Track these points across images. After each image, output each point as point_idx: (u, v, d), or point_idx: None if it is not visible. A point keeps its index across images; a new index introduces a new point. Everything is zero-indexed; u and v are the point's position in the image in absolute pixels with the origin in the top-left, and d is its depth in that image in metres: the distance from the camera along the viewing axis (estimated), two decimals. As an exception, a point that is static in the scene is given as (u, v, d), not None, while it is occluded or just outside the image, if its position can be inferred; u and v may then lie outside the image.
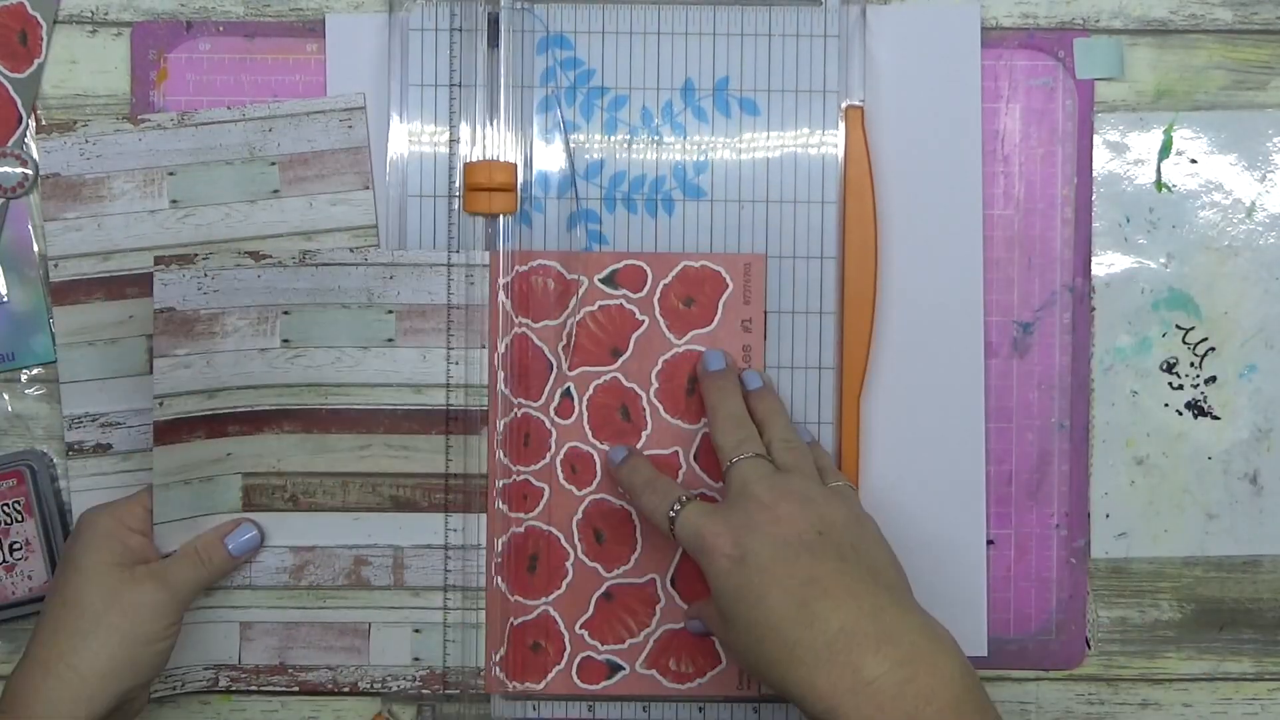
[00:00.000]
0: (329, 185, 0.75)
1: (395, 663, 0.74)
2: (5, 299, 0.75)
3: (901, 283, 0.75)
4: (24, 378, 0.76)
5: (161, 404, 0.71)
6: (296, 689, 0.75)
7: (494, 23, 0.74)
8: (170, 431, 0.71)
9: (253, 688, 0.74)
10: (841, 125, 0.74)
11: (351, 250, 0.73)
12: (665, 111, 0.74)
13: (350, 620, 0.74)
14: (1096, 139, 0.76)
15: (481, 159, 0.73)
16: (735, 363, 0.73)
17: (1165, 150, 0.76)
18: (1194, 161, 0.76)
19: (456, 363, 0.73)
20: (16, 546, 0.75)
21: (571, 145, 0.74)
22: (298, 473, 0.73)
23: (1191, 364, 0.76)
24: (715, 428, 0.70)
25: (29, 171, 0.75)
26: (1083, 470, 0.76)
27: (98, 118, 0.75)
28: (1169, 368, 0.77)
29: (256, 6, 0.76)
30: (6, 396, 0.76)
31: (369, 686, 0.74)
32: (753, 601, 0.62)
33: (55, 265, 0.74)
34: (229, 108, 0.75)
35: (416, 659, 0.74)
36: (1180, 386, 0.77)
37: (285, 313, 0.73)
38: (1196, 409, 0.77)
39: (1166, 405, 0.77)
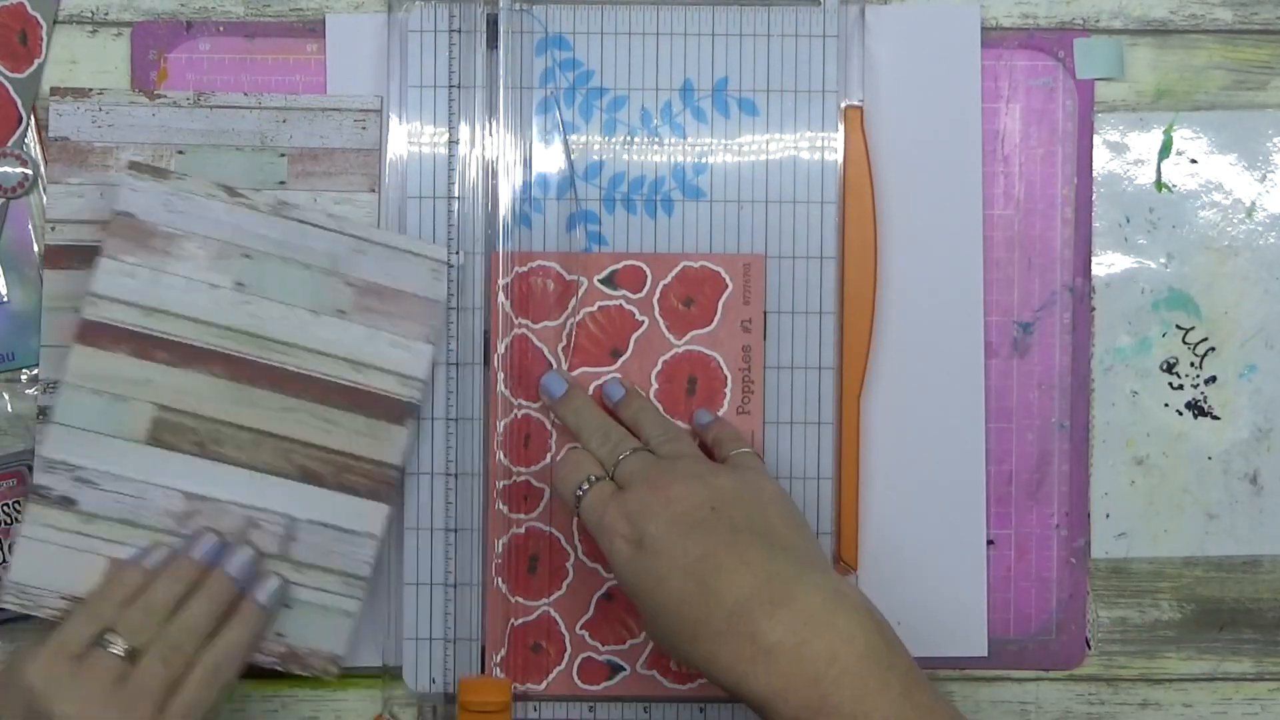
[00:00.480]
0: (335, 184, 0.74)
1: None
2: (5, 299, 0.75)
3: (901, 283, 0.75)
4: (24, 377, 0.76)
5: (54, 228, 0.72)
6: None
7: (493, 24, 0.74)
8: (95, 333, 0.71)
9: None
10: (841, 125, 0.74)
11: (329, 215, 0.73)
12: (664, 112, 0.74)
13: None
14: (1096, 139, 0.76)
15: (479, 675, 0.74)
16: (573, 380, 0.73)
17: (1165, 150, 0.76)
18: (1194, 161, 0.76)
19: (401, 349, 0.73)
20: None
21: (571, 146, 0.74)
22: (213, 419, 0.72)
23: (1191, 364, 0.76)
24: (587, 446, 0.70)
25: (29, 172, 0.75)
26: (1083, 470, 0.76)
27: (113, 89, 0.75)
28: (1169, 368, 0.76)
29: (256, 6, 0.76)
30: (6, 396, 0.76)
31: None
32: (653, 585, 0.62)
33: (53, 228, 0.74)
34: (246, 94, 0.75)
35: (279, 634, 0.72)
36: (1180, 386, 0.77)
37: (246, 256, 0.72)
38: (1196, 409, 0.77)
39: (1166, 405, 0.77)
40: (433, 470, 0.74)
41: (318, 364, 0.72)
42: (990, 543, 0.76)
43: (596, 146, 0.74)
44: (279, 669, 0.73)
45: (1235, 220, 0.76)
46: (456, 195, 0.74)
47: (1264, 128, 0.76)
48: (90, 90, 0.74)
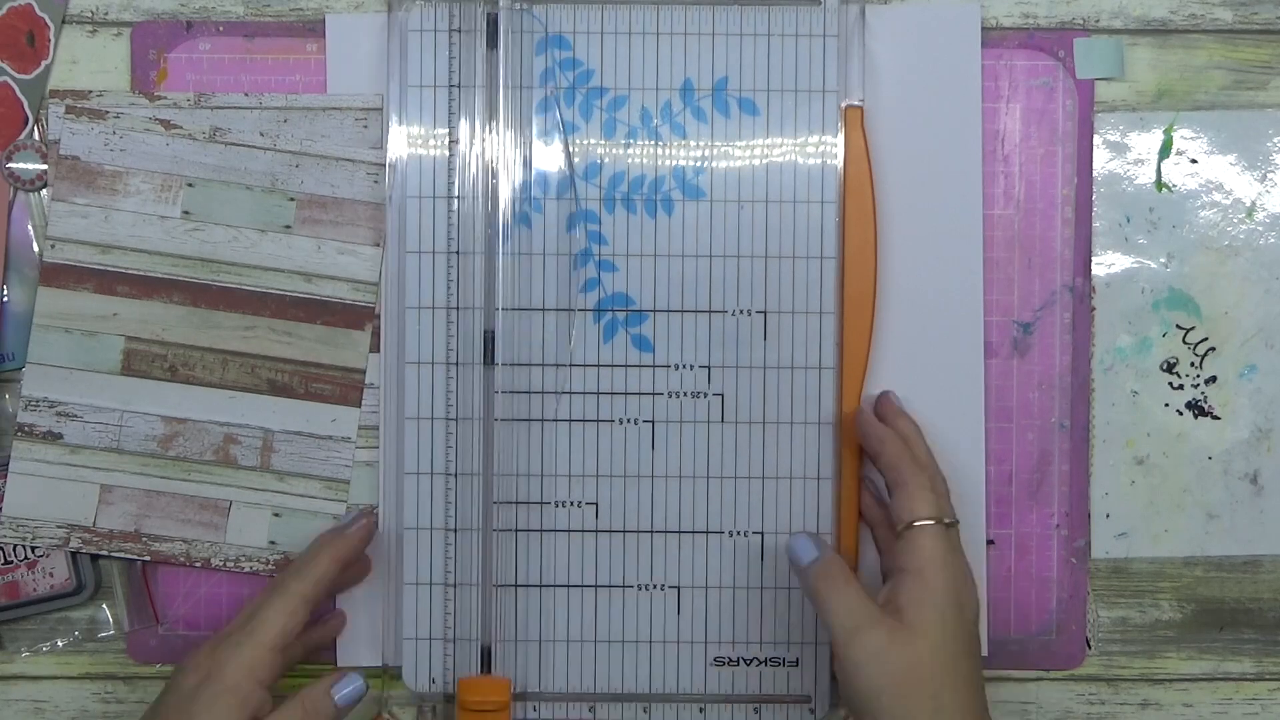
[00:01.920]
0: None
1: (251, 544, 0.75)
2: (5, 299, 0.75)
3: (901, 283, 0.75)
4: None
5: (53, 246, 0.74)
6: (148, 558, 0.75)
7: (493, 23, 0.74)
8: (59, 275, 0.74)
9: (104, 551, 0.75)
10: (841, 126, 0.74)
11: (262, 134, 0.74)
12: (664, 112, 0.74)
13: (212, 496, 0.75)
14: (1096, 139, 0.76)
15: (479, 675, 0.74)
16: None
17: (1165, 150, 0.76)
18: (1194, 161, 0.76)
19: (349, 255, 0.74)
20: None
21: (571, 146, 0.74)
22: (180, 344, 0.75)
23: (1192, 364, 0.76)
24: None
25: (46, 168, 0.75)
26: (1083, 470, 0.76)
27: (130, 112, 0.75)
28: (1169, 368, 0.76)
29: (256, 6, 0.76)
30: (6, 397, 0.76)
31: (222, 564, 0.75)
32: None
33: (52, 245, 0.75)
34: (246, 94, 0.75)
35: (272, 542, 0.75)
36: (1180, 386, 0.77)
37: (189, 185, 0.74)
38: (1196, 409, 0.77)
39: (1167, 405, 0.77)
40: (432, 470, 0.74)
41: (270, 280, 0.75)
42: (990, 543, 0.76)
43: (596, 146, 0.74)
44: (274, 574, 0.75)
45: (1235, 220, 0.76)
46: (456, 195, 0.74)
47: (1264, 128, 0.76)
48: (107, 113, 0.74)
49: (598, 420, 0.74)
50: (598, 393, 0.75)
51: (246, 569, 0.75)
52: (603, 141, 0.74)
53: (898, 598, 0.65)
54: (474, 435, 0.74)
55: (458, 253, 0.74)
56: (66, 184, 0.75)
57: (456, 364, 0.74)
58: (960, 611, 0.65)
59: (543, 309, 0.75)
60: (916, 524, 0.67)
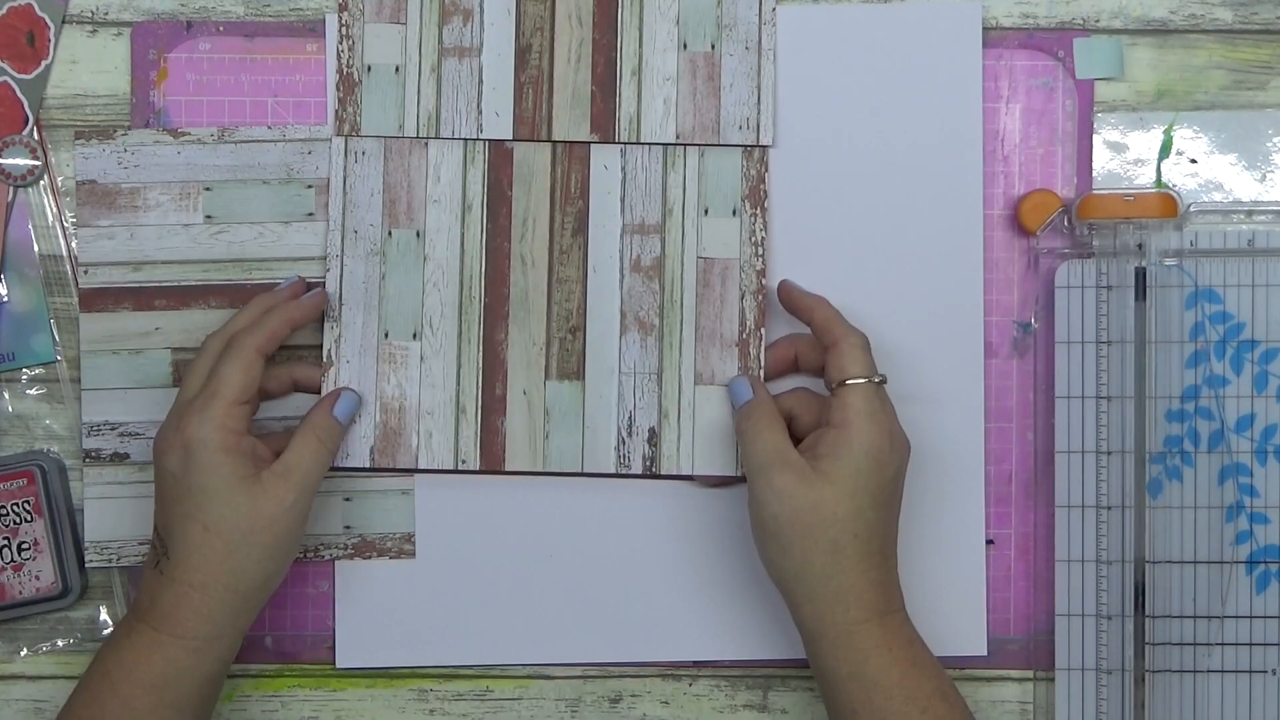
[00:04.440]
0: None
1: (326, 531, 0.76)
2: (5, 299, 0.75)
3: (902, 283, 0.75)
4: (24, 378, 0.76)
5: (86, 272, 0.75)
6: None
7: (1141, 278, 0.73)
8: (96, 299, 0.75)
9: None
10: None
11: (269, 127, 0.75)
12: None
13: None
14: (1096, 139, 0.76)
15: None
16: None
17: (1165, 150, 0.76)
18: (1194, 161, 0.76)
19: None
20: (25, 546, 0.75)
21: (1222, 398, 0.74)
22: None
23: (1192, 364, 0.76)
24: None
25: (38, 163, 0.75)
26: (1083, 470, 0.76)
27: (138, 129, 0.75)
28: (1169, 368, 0.76)
29: (256, 6, 0.76)
30: (7, 396, 0.76)
31: (302, 555, 0.75)
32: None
33: (85, 272, 0.75)
34: (270, 126, 0.75)
35: (347, 527, 0.75)
36: (1180, 387, 0.77)
37: (206, 189, 0.75)
38: (1197, 409, 0.77)
39: (1166, 405, 0.77)
40: None
41: (303, 270, 0.75)
42: (990, 542, 0.76)
43: (1248, 400, 0.74)
44: (362, 559, 0.75)
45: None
46: (1107, 450, 0.74)
47: (1264, 128, 0.76)
48: (114, 130, 0.75)
49: (1250, 671, 0.74)
50: (1250, 644, 0.74)
51: (326, 556, 0.75)
52: (1254, 395, 0.74)
53: (818, 446, 0.68)
54: (1123, 686, 0.74)
55: (1107, 507, 0.74)
56: (88, 209, 0.75)
57: (1106, 616, 0.74)
58: (878, 467, 0.68)
59: (1194, 561, 0.74)
60: (849, 381, 0.69)
